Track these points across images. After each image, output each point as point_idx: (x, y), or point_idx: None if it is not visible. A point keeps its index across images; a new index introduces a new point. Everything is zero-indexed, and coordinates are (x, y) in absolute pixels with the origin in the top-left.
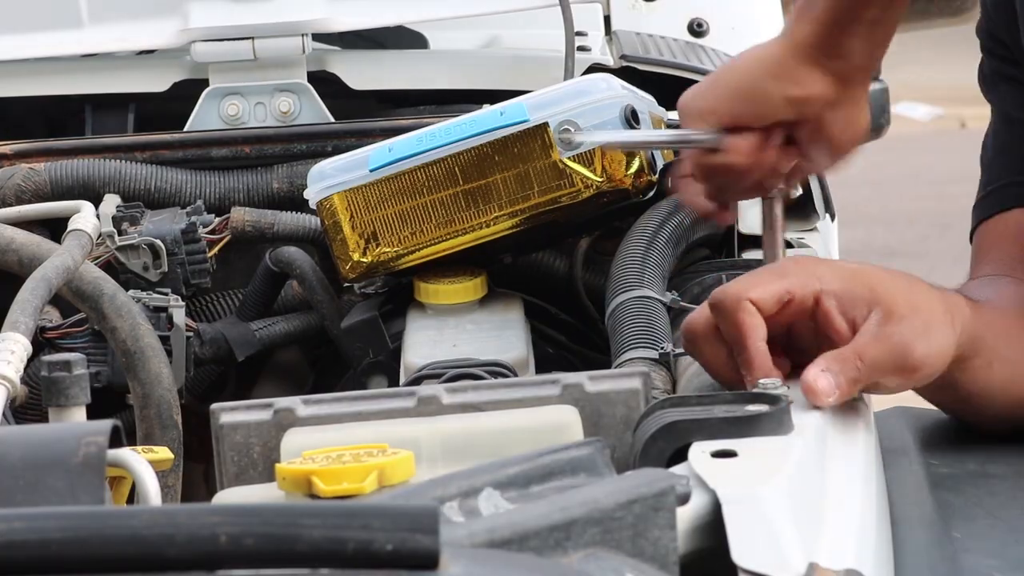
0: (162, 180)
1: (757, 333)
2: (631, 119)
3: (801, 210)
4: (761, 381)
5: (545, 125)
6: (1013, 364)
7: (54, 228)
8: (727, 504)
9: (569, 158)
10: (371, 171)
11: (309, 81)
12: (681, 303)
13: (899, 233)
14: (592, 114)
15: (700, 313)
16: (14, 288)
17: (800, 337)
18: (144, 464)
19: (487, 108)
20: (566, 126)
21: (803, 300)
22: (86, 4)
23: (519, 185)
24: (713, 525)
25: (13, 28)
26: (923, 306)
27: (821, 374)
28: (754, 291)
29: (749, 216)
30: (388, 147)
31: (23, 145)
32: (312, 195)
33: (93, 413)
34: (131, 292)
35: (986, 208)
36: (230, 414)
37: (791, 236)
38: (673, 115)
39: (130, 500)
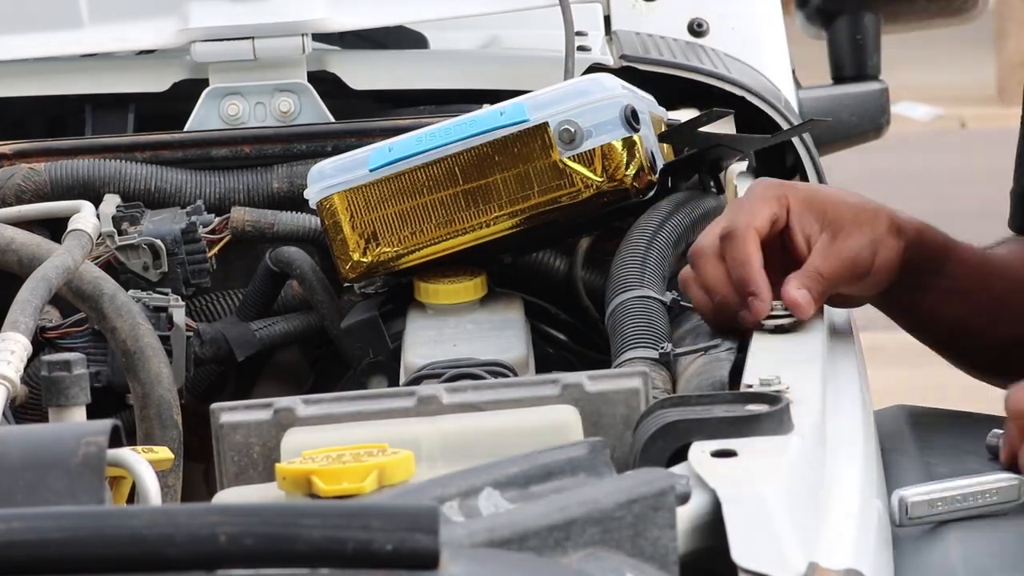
0: (162, 180)
1: (760, 262)
2: (631, 119)
3: None
4: (760, 377)
5: (545, 125)
6: (970, 301)
7: (54, 228)
8: (727, 504)
9: (569, 158)
10: (371, 171)
11: (309, 81)
12: (681, 303)
13: None
14: (592, 114)
15: (708, 235)
16: (14, 288)
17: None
18: (144, 464)
19: (487, 108)
20: (566, 126)
21: (781, 222)
22: (86, 4)
23: (519, 185)
24: (713, 525)
25: (13, 28)
26: (867, 223)
27: (799, 292)
28: (757, 220)
29: None
30: (388, 147)
31: (23, 145)
32: (312, 195)
33: (93, 413)
34: (131, 292)
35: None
36: (230, 414)
37: None
38: (674, 115)
39: (130, 500)
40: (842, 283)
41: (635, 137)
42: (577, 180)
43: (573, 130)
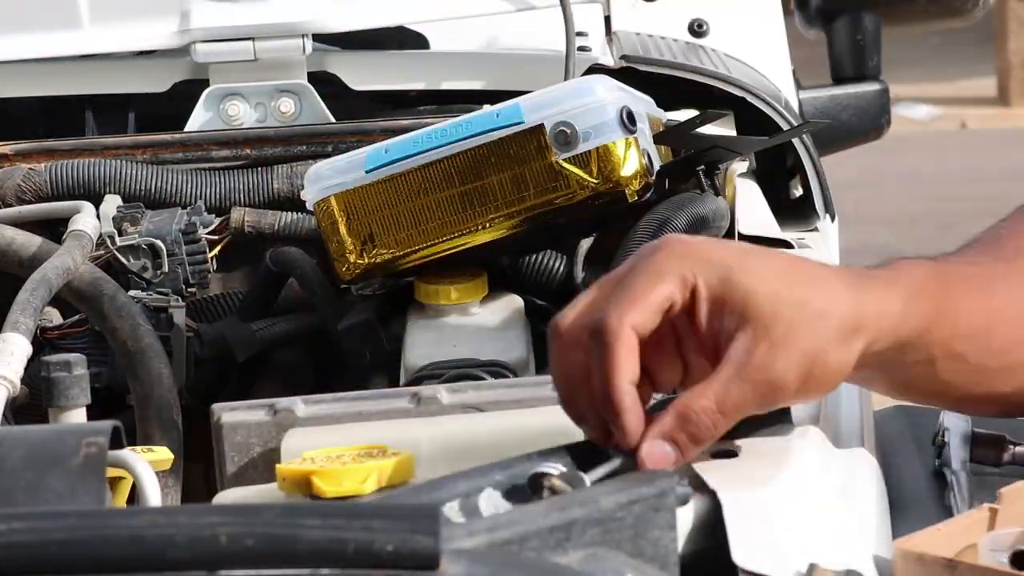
0: (162, 180)
1: (628, 376)
2: (627, 121)
3: (801, 210)
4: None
5: (541, 127)
6: (964, 353)
7: (54, 228)
8: (727, 504)
9: (564, 160)
10: (367, 172)
11: (309, 81)
12: None
13: (899, 233)
14: (588, 116)
15: (576, 311)
16: (14, 288)
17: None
18: (144, 465)
19: (485, 108)
20: (562, 127)
21: (683, 304)
22: (86, 4)
23: (515, 187)
24: (713, 525)
25: (13, 28)
26: (807, 326)
27: (659, 447)
28: (637, 314)
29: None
30: (384, 148)
31: (23, 145)
32: (309, 196)
33: (93, 414)
34: (131, 293)
35: None
36: (230, 414)
37: (792, 236)
38: (674, 115)
39: (130, 501)
40: (751, 408)
41: (631, 139)
42: (572, 182)
43: (569, 132)
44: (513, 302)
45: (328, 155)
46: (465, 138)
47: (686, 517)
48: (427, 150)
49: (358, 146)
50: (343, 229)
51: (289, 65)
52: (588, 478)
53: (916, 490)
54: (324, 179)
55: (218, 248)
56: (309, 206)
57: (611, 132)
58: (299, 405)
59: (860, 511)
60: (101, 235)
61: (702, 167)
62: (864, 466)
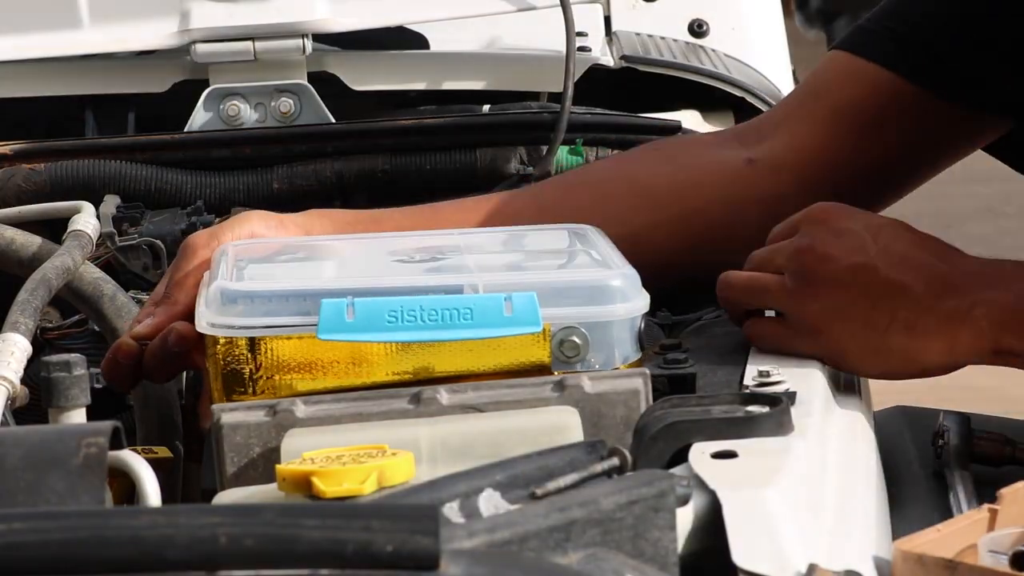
0: (162, 181)
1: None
2: (642, 337)
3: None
4: (759, 368)
5: (546, 328)
6: None
7: (54, 229)
8: (727, 505)
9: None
10: (321, 337)
11: (309, 81)
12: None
13: None
14: (599, 329)
15: None
16: (14, 288)
17: None
18: (144, 465)
19: (481, 284)
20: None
21: None
22: (86, 4)
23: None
24: (713, 526)
25: (13, 28)
26: None
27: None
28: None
29: None
30: (346, 305)
31: (23, 146)
32: (218, 323)
33: (93, 414)
34: (131, 292)
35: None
36: (230, 414)
37: None
38: (674, 115)
39: (129, 501)
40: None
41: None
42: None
43: (580, 343)
44: None
45: (327, 155)
46: (455, 329)
47: (686, 517)
48: (404, 331)
49: (358, 145)
50: (246, 381)
51: (289, 65)
52: (577, 476)
53: (916, 490)
54: (248, 313)
55: None
56: (205, 330)
57: (621, 355)
58: (299, 406)
59: (860, 511)
60: (101, 235)
61: None
62: (864, 466)
